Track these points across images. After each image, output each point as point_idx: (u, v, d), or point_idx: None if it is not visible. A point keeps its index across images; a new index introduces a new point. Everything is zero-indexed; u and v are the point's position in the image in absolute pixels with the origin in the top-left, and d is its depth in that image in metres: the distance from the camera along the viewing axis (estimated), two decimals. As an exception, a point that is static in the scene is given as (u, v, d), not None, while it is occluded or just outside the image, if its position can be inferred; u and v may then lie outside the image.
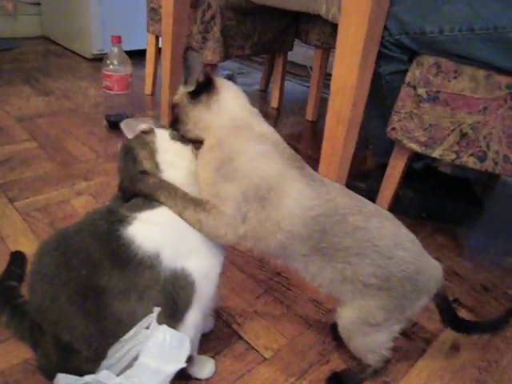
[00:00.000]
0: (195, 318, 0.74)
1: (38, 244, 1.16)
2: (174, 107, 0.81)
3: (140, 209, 0.72)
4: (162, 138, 0.77)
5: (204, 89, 0.75)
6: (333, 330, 1.00)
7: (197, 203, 0.73)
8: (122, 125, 0.77)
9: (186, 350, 0.59)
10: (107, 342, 0.69)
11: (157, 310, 0.63)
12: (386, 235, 0.77)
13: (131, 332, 0.62)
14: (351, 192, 0.80)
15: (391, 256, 0.76)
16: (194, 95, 0.75)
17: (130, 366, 0.59)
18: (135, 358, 0.59)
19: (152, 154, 0.75)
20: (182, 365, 0.58)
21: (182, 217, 0.73)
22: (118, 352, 0.61)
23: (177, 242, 0.72)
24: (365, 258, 0.75)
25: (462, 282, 1.24)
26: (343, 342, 0.89)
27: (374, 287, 0.76)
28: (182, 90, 0.78)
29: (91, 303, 0.67)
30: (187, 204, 0.73)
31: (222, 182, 0.73)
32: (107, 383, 0.55)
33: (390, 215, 0.81)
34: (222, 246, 0.78)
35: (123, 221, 0.71)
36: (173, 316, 0.70)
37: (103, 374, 0.56)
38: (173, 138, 0.77)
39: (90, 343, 0.69)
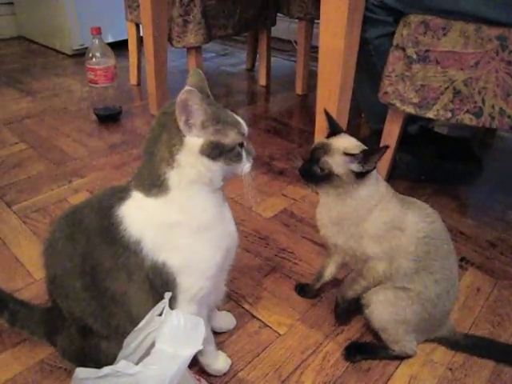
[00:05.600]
0: (187, 312, 0.69)
1: (40, 246, 1.17)
2: (322, 161, 0.81)
3: (140, 188, 0.69)
4: None
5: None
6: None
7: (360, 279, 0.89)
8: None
9: (201, 333, 0.58)
10: (109, 318, 0.71)
11: (168, 295, 0.63)
12: (455, 270, 0.89)
13: (144, 320, 0.61)
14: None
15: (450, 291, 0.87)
16: (359, 174, 0.80)
17: (147, 354, 0.59)
18: (152, 346, 0.59)
19: None
20: (199, 347, 0.58)
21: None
22: (133, 341, 0.61)
23: (160, 234, 0.69)
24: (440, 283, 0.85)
25: (468, 241, 1.24)
26: (355, 312, 0.93)
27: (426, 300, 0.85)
28: (346, 167, 0.80)
29: (88, 277, 0.70)
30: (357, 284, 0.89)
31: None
32: (126, 373, 0.55)
33: None
34: (223, 247, 0.75)
35: (123, 198, 0.70)
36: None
37: (122, 364, 0.56)
38: None
39: (96, 318, 0.72)
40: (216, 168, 0.67)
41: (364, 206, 0.83)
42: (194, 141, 0.65)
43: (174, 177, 0.67)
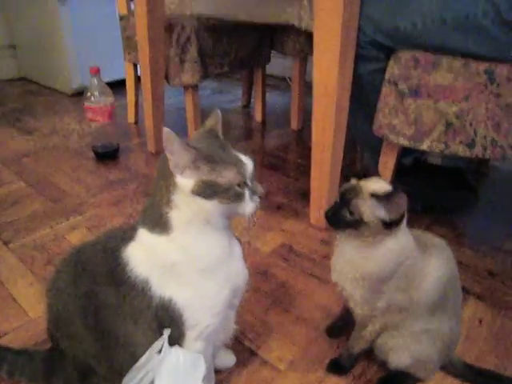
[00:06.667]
0: (194, 349, 0.71)
1: (36, 284, 1.16)
2: (353, 203, 0.76)
3: (145, 225, 0.70)
4: None
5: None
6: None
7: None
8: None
9: (201, 370, 0.57)
10: (113, 359, 0.70)
11: (167, 331, 0.62)
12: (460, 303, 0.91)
13: (143, 358, 0.61)
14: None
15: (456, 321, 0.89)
16: (387, 225, 0.75)
17: (145, 393, 0.58)
18: (151, 385, 0.58)
19: None
20: (200, 385, 0.57)
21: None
22: (132, 380, 0.60)
23: (165, 272, 0.69)
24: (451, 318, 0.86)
25: (467, 270, 1.23)
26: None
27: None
28: (374, 213, 0.75)
29: (92, 319, 0.69)
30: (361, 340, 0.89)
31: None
32: (125, 413, 0.54)
33: None
34: (228, 279, 0.74)
35: (128, 239, 0.70)
36: (170, 344, 0.68)
37: (120, 404, 0.55)
38: None
39: (98, 359, 0.71)
40: (209, 207, 0.66)
41: (392, 260, 0.78)
42: (185, 182, 0.65)
43: (174, 216, 0.67)
